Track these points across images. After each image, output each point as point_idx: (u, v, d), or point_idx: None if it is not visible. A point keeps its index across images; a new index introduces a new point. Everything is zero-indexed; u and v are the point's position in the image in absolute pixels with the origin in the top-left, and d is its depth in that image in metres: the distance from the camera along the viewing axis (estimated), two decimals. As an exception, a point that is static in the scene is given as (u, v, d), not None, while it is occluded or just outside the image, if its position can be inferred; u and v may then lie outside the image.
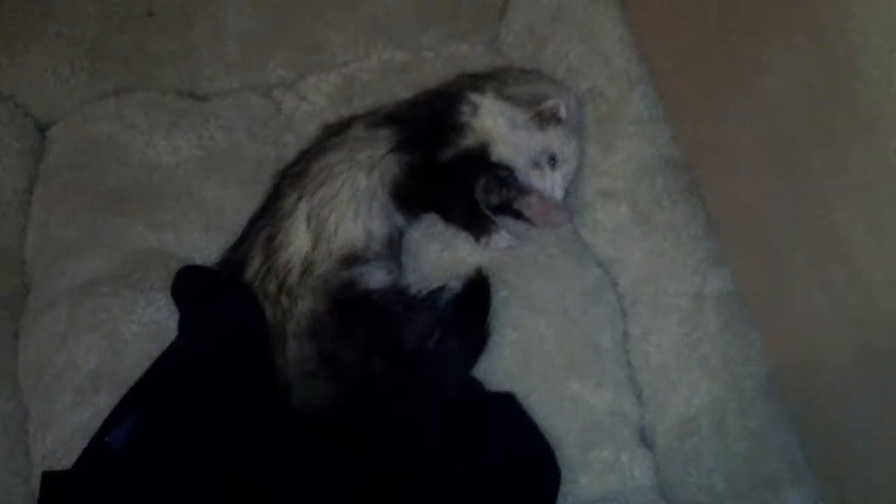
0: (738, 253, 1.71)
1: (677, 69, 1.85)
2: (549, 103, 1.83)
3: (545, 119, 1.84)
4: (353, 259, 1.75)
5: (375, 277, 1.75)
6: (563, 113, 1.83)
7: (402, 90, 2.02)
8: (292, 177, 1.85)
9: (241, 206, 1.91)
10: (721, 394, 1.62)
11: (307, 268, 1.73)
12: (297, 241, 1.75)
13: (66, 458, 1.61)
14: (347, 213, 1.77)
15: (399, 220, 1.85)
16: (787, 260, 1.53)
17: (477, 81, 1.94)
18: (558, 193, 1.86)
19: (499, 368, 1.70)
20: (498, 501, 1.54)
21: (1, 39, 2.05)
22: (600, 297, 1.80)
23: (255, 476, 1.57)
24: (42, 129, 2.13)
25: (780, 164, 1.51)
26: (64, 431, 1.67)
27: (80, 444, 1.60)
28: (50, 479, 1.59)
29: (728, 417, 1.59)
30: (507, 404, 1.64)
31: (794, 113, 1.43)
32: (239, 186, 1.98)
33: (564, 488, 1.58)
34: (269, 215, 1.82)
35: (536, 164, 1.85)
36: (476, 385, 1.68)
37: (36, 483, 1.62)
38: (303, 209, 1.77)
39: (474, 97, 1.88)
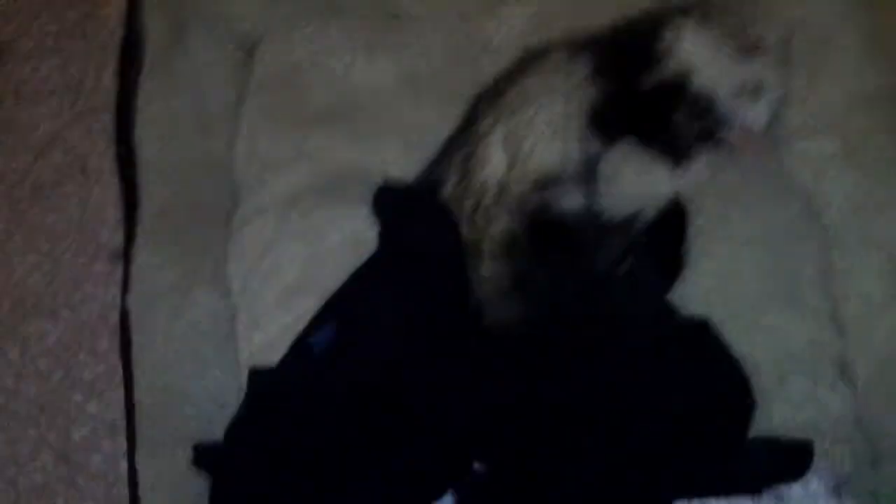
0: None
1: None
2: (755, 31, 1.78)
3: (750, 48, 1.78)
4: (548, 181, 1.75)
5: (571, 199, 1.75)
6: (769, 41, 1.78)
7: (602, 16, 1.96)
8: (489, 99, 1.86)
9: (438, 126, 1.93)
10: (927, 334, 1.56)
11: (503, 188, 1.75)
12: (494, 161, 1.77)
13: (270, 357, 1.70)
14: (544, 137, 1.77)
15: (595, 144, 1.82)
16: None
17: (680, 8, 1.88)
18: (762, 123, 1.80)
19: (694, 296, 1.68)
20: (691, 427, 1.54)
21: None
22: (803, 229, 1.74)
23: (442, 387, 1.63)
24: (250, 47, 2.20)
25: None
26: (269, 332, 1.76)
27: (283, 345, 1.69)
28: (256, 375, 1.69)
29: (931, 353, 1.54)
30: (703, 331, 1.62)
31: None
32: (437, 107, 1.99)
33: (759, 416, 1.55)
34: (465, 136, 1.84)
35: (740, 94, 1.79)
36: (671, 311, 1.67)
37: (243, 378, 1.72)
38: (499, 131, 1.79)
39: (678, 23, 1.83)
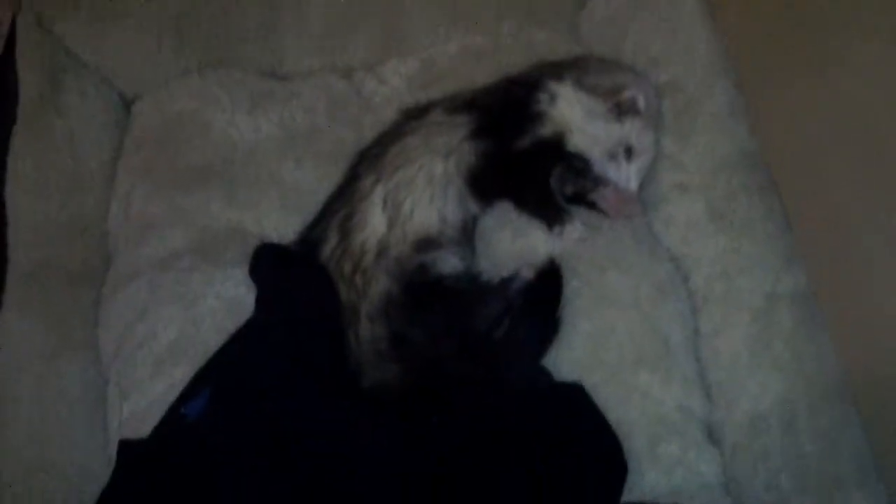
0: (815, 252, 1.69)
1: (757, 61, 1.83)
2: (628, 94, 1.82)
3: (623, 110, 1.82)
4: (427, 243, 1.77)
5: (449, 262, 1.78)
6: (641, 104, 1.82)
7: (481, 76, 2.01)
8: (370, 159, 1.88)
9: (318, 186, 1.95)
10: (792, 393, 1.60)
11: (382, 250, 1.75)
12: (373, 222, 1.78)
13: (142, 428, 1.66)
14: (423, 198, 1.79)
15: (473, 206, 1.86)
16: (866, 260, 1.51)
17: (556, 69, 1.93)
18: (634, 185, 1.85)
19: (568, 359, 1.71)
20: (563, 492, 1.55)
21: (89, 14, 2.09)
22: (672, 292, 1.79)
23: (321, 449, 1.61)
24: (128, 103, 2.18)
25: (861, 162, 1.48)
26: (141, 401, 1.72)
27: (156, 415, 1.65)
28: (127, 448, 1.64)
29: (798, 417, 1.58)
30: (576, 394, 1.65)
31: (877, 108, 1.41)
32: (317, 167, 2.01)
33: (630, 482, 1.58)
34: (345, 196, 1.85)
35: (613, 156, 1.84)
36: (545, 374, 1.69)
37: (113, 450, 1.67)
38: (379, 192, 1.80)
39: (552, 85, 1.87)
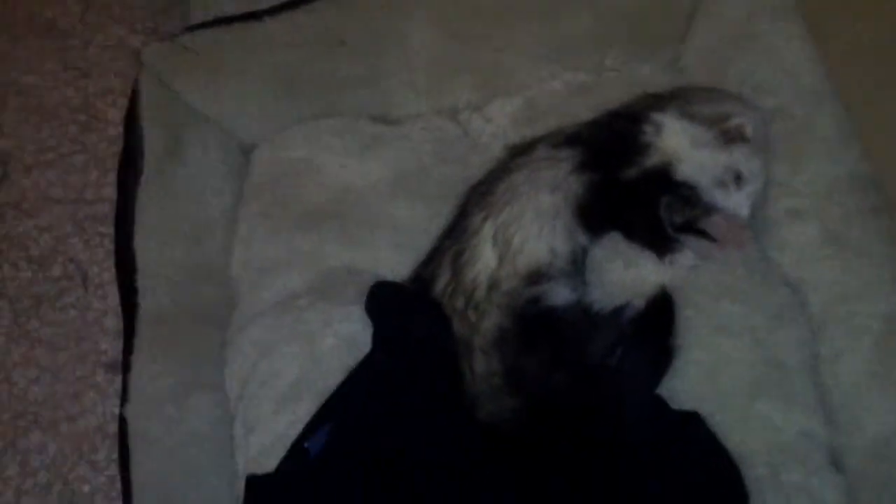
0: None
1: (865, 84, 1.81)
2: (735, 121, 1.82)
3: (730, 137, 1.82)
4: (537, 276, 1.78)
5: (560, 294, 1.78)
6: (748, 131, 1.81)
7: (584, 111, 2.03)
8: (478, 196, 1.91)
9: (428, 225, 1.99)
10: (917, 417, 1.57)
11: (493, 284, 1.78)
12: (484, 258, 1.80)
13: (267, 463, 1.71)
14: (532, 232, 1.81)
15: (582, 238, 1.87)
16: None
17: (659, 101, 1.94)
18: (744, 212, 1.84)
19: (684, 388, 1.70)
20: (684, 520, 1.55)
21: (207, 72, 2.17)
22: (788, 318, 1.76)
23: (440, 481, 1.63)
24: (246, 151, 2.28)
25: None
26: (266, 437, 1.77)
27: (280, 450, 1.71)
28: (254, 482, 1.70)
29: (924, 442, 1.55)
30: (694, 424, 1.64)
31: None
32: (427, 206, 2.06)
33: (753, 508, 1.56)
34: (455, 234, 1.88)
35: (722, 183, 1.83)
36: (661, 403, 1.68)
37: (240, 487, 1.73)
38: (489, 228, 1.83)
39: (657, 116, 1.88)
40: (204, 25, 2.19)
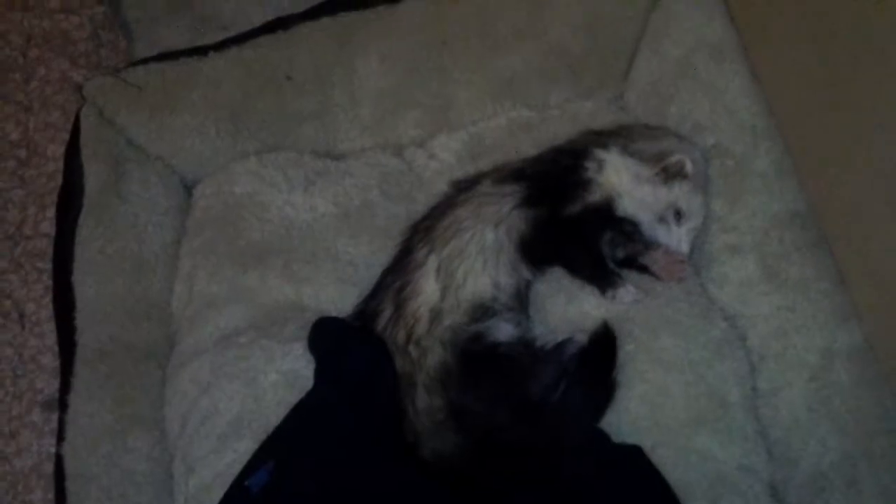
0: (870, 308, 1.68)
1: (803, 123, 1.84)
2: (675, 158, 1.84)
3: (671, 174, 1.84)
4: (480, 311, 1.79)
5: (503, 329, 1.79)
6: (688, 168, 1.84)
7: (528, 147, 2.06)
8: (423, 231, 1.91)
9: (373, 260, 1.99)
10: (853, 450, 1.59)
11: (435, 318, 1.78)
12: (426, 291, 1.81)
13: (207, 502, 1.69)
14: (475, 266, 1.82)
15: (526, 272, 1.88)
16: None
17: (602, 138, 1.96)
18: (685, 248, 1.86)
19: (625, 422, 1.71)
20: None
21: (150, 107, 2.16)
22: (728, 352, 1.79)
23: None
24: (188, 187, 2.26)
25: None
26: (206, 475, 1.75)
27: (221, 489, 1.68)
28: (194, 522, 1.68)
29: (860, 474, 1.56)
30: (635, 457, 1.64)
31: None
32: (371, 242, 2.06)
33: (694, 544, 1.57)
34: (399, 268, 1.88)
35: (662, 219, 1.86)
36: (603, 437, 1.69)
37: (179, 526, 1.70)
38: (432, 261, 1.83)
39: (599, 153, 1.90)
40: (148, 60, 2.19)
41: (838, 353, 1.68)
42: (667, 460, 1.64)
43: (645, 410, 1.71)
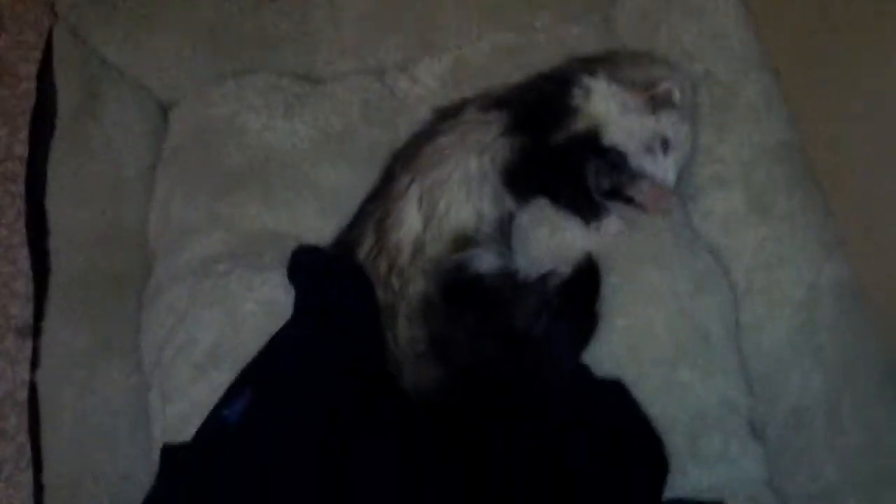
0: (857, 242, 1.67)
1: (794, 53, 1.81)
2: (663, 86, 1.80)
3: (658, 103, 1.80)
4: (463, 241, 1.77)
5: (486, 260, 1.77)
6: (676, 96, 1.80)
7: (514, 73, 2.01)
8: (404, 159, 1.88)
9: (354, 187, 1.95)
10: (836, 385, 1.59)
11: (418, 249, 1.76)
12: (409, 221, 1.78)
13: (185, 432, 1.67)
14: (458, 195, 1.79)
15: (509, 203, 1.85)
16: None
17: (589, 65, 1.91)
18: (671, 178, 1.82)
19: (607, 355, 1.70)
20: (605, 488, 1.55)
21: (125, 25, 2.10)
22: (712, 285, 1.77)
23: (360, 453, 1.61)
24: (165, 109, 2.20)
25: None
26: (183, 405, 1.73)
27: (198, 418, 1.66)
28: (170, 452, 1.66)
29: (843, 409, 1.56)
30: (615, 390, 1.64)
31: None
32: (352, 169, 2.01)
33: (672, 477, 1.57)
34: (381, 197, 1.85)
35: (649, 149, 1.82)
36: (584, 371, 1.68)
37: (156, 456, 1.68)
38: (414, 191, 1.80)
39: (586, 80, 1.86)
40: (124, -23, 2.11)
41: (823, 287, 1.67)
42: (647, 394, 1.64)
43: (627, 344, 1.70)
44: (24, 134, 2.19)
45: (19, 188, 2.11)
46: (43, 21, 2.44)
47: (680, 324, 1.71)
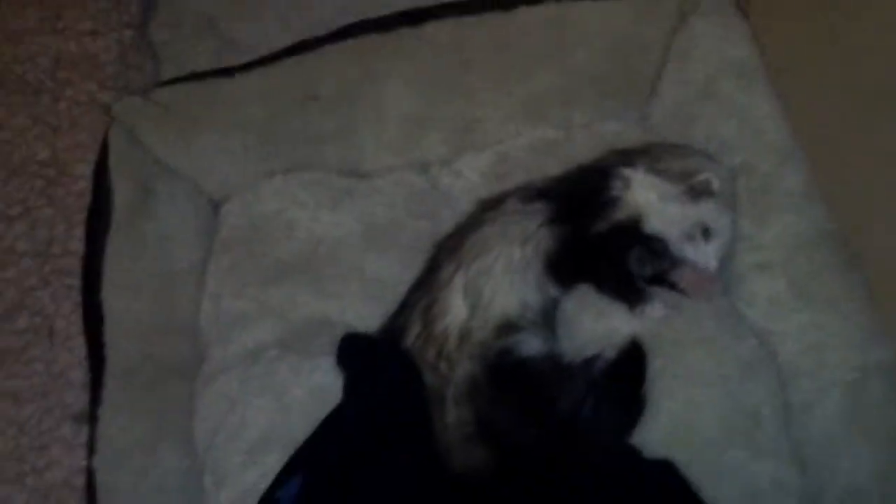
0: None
1: (829, 144, 1.85)
2: (702, 176, 1.84)
3: (698, 192, 1.84)
4: (508, 327, 1.79)
5: (531, 345, 1.79)
6: (715, 185, 1.84)
7: (553, 167, 2.06)
8: (449, 249, 1.92)
9: (399, 277, 1.99)
10: (888, 466, 1.58)
11: (464, 335, 1.79)
12: (455, 310, 1.81)
13: (238, 516, 1.69)
14: (503, 284, 1.83)
15: (553, 290, 1.88)
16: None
17: (627, 157, 1.97)
18: (713, 265, 1.85)
19: (655, 438, 1.70)
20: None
21: (177, 126, 2.18)
22: (759, 368, 1.78)
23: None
24: (216, 205, 2.27)
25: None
26: (236, 489, 1.75)
27: (250, 503, 1.68)
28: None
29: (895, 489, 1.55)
30: (667, 472, 1.64)
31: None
32: (398, 259, 2.07)
33: (728, 558, 1.56)
34: (426, 286, 1.89)
35: (690, 237, 1.85)
36: (634, 452, 1.68)
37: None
38: (459, 280, 1.84)
39: (626, 171, 1.90)
40: (175, 81, 2.21)
41: (871, 369, 1.67)
42: (698, 476, 1.63)
43: (675, 426, 1.71)
44: (79, 230, 2.24)
45: (75, 282, 2.16)
46: (98, 124, 2.53)
47: (728, 406, 1.72)
